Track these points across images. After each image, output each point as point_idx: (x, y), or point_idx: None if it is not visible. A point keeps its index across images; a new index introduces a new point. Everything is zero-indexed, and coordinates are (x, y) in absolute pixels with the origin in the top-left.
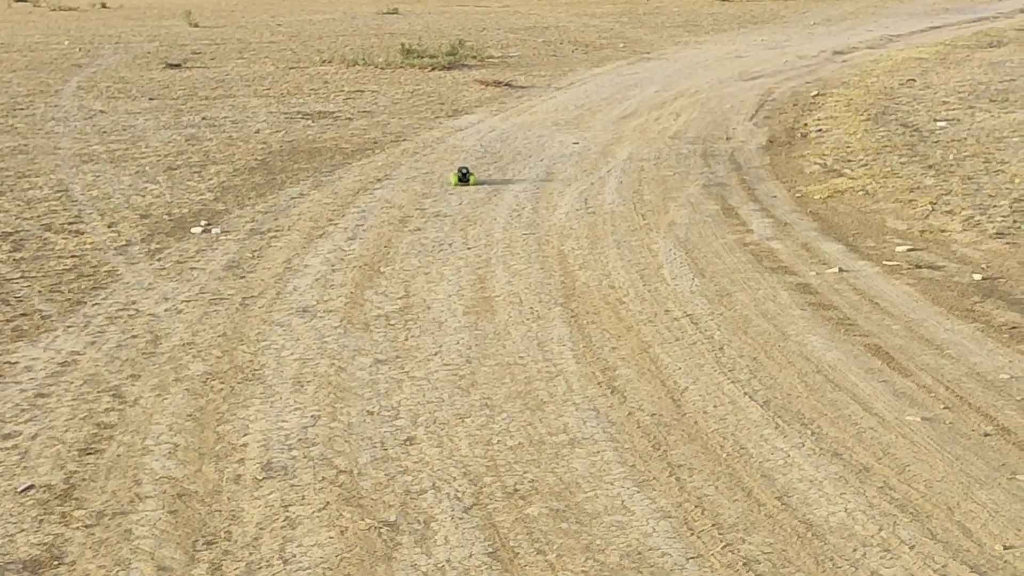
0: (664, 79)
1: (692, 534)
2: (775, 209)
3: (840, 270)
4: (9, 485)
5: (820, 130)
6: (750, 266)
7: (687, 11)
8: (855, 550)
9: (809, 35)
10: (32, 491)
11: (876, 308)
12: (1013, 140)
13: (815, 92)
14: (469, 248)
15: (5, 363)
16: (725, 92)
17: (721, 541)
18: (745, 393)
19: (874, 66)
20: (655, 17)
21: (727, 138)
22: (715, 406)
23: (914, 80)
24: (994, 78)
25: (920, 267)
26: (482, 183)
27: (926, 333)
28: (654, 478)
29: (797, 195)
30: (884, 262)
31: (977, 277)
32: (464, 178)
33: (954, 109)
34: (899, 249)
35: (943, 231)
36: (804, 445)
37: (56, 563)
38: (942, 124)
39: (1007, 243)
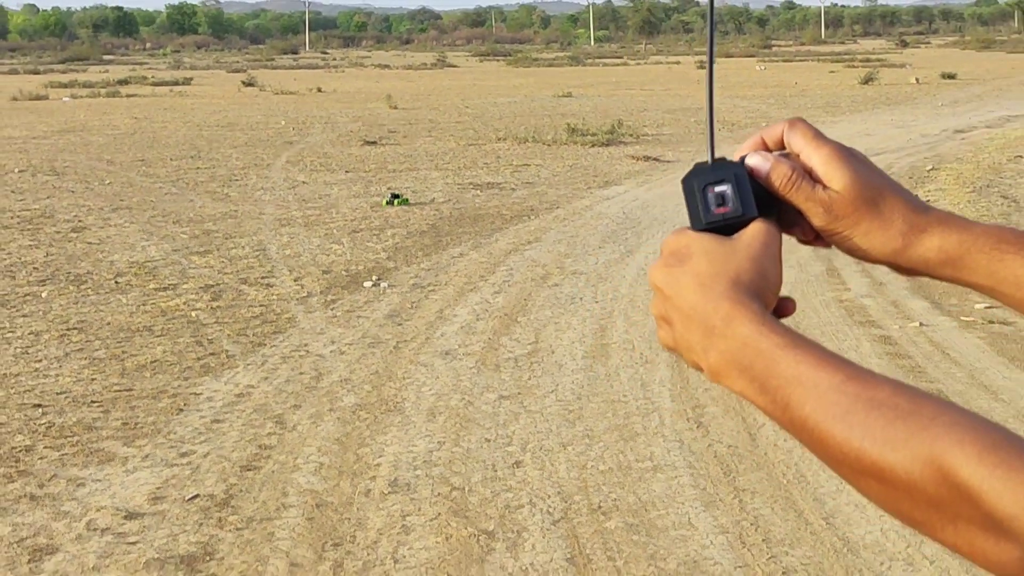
0: None
1: (744, 547)
2: (874, 271)
3: (921, 324)
4: (179, 494)
5: (928, 200)
6: (841, 320)
7: (830, 94)
8: (882, 564)
9: (936, 115)
10: (197, 499)
11: (946, 358)
12: None
13: (930, 167)
14: (597, 302)
15: (191, 394)
16: None
17: (767, 553)
18: None
19: (988, 144)
20: (799, 99)
21: None
22: (785, 440)
23: (1022, 156)
24: None
25: (993, 323)
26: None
27: (986, 380)
28: (720, 499)
29: None
30: (962, 318)
31: None
32: (394, 198)
33: None
34: (977, 307)
35: None
36: None
37: (208, 558)
38: None
39: None
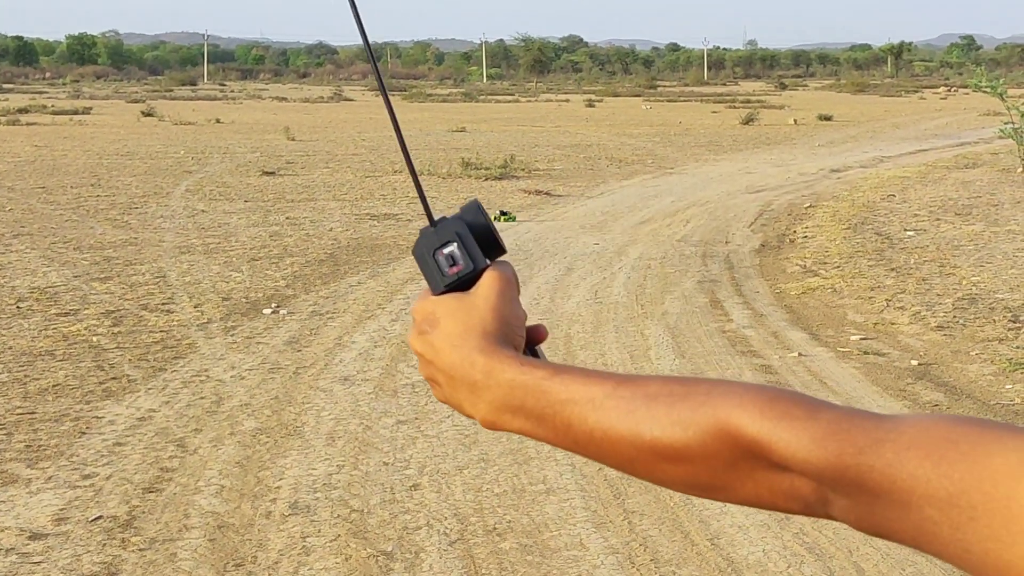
0: (681, 191)
1: (633, 567)
2: (756, 303)
3: (800, 354)
4: (83, 515)
5: (806, 237)
6: (724, 350)
7: (712, 133)
8: None
9: (813, 155)
10: (100, 520)
11: (823, 386)
12: (968, 248)
13: (808, 204)
14: None
15: (93, 417)
16: (731, 203)
17: (656, 573)
18: None
19: (863, 183)
20: (683, 137)
21: (726, 242)
22: None
23: (894, 195)
24: (963, 195)
25: (868, 353)
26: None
27: (861, 408)
28: (610, 521)
29: (776, 291)
30: (839, 348)
31: (914, 363)
32: (502, 215)
33: (923, 221)
34: (853, 338)
35: (893, 324)
36: None
37: None
38: (910, 233)
39: (944, 335)
